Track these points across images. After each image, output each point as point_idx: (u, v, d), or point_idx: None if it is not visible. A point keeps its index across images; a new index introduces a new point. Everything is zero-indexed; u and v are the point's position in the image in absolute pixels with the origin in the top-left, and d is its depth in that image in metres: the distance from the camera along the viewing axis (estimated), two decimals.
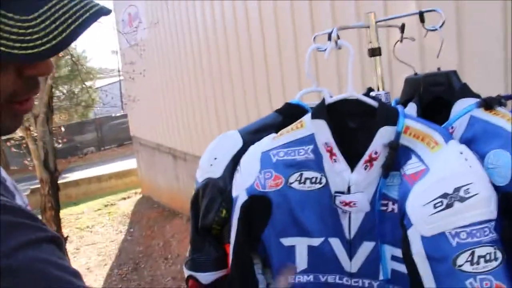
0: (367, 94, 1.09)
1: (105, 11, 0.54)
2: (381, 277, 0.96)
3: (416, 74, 1.15)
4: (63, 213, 7.08)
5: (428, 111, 1.06)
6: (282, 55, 4.02)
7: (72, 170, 14.33)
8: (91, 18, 0.52)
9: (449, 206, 0.77)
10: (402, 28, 1.13)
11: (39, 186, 5.68)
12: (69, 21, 0.51)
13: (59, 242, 0.51)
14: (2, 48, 0.48)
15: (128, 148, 17.41)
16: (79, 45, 26.58)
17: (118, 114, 20.44)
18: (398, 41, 1.15)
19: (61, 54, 6.29)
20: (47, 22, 0.50)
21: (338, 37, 0.96)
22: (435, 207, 0.77)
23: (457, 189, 0.77)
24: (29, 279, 0.44)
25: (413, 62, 1.12)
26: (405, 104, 1.11)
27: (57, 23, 0.51)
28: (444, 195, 0.77)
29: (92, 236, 9.66)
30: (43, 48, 0.50)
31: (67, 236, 6.28)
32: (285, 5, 3.80)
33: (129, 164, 14.08)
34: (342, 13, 2.95)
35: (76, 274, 0.50)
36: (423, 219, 0.79)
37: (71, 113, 19.81)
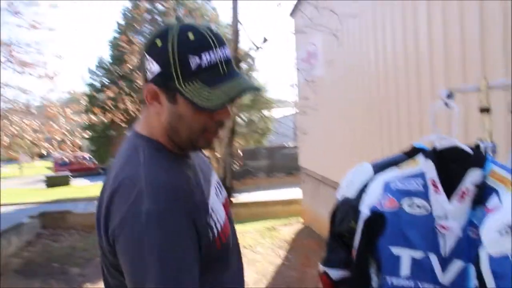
0: (477, 144, 1.35)
1: (250, 89, 1.03)
2: None
3: None
4: None
5: None
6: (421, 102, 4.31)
7: (243, 192, 15.53)
8: (240, 93, 1.01)
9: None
10: None
11: None
12: (229, 94, 0.98)
13: None
14: (198, 103, 0.96)
15: (295, 177, 18.15)
16: (261, 77, 28.73)
17: (289, 144, 21.50)
18: None
19: None
20: (219, 92, 0.97)
21: (448, 97, 1.27)
22: (501, 234, 1.03)
23: None
24: None
25: None
26: None
27: (222, 94, 0.97)
28: (510, 226, 1.02)
29: (253, 255, 10.35)
30: (212, 104, 0.96)
31: None
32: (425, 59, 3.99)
33: (295, 192, 14.75)
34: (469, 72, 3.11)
35: None
36: (491, 243, 1.05)
37: (248, 139, 21.61)
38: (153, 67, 0.99)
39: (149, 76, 1.01)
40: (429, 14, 4.73)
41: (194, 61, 0.96)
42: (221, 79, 0.99)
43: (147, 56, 1.00)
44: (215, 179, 1.24)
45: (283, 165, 21.93)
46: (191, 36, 0.97)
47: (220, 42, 1.00)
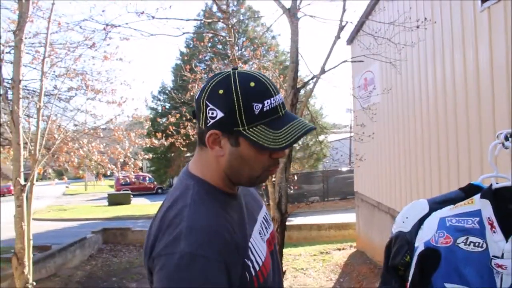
0: None
1: (311, 129, 1.13)
2: None
3: None
4: (283, 251, 7.92)
5: None
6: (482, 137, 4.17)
7: (297, 215, 15.52)
8: (303, 134, 1.10)
9: None
10: None
11: None
12: (294, 135, 1.08)
13: None
14: (265, 145, 1.07)
15: (350, 202, 17.95)
16: (318, 102, 28.70)
17: (344, 169, 21.30)
18: None
19: (303, 112, 7.34)
20: (284, 134, 1.08)
21: (506, 139, 1.32)
22: None
23: None
24: None
25: None
26: None
27: (288, 136, 1.08)
28: None
29: (304, 278, 10.31)
30: (280, 146, 1.07)
31: (285, 271, 7.05)
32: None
33: (349, 217, 14.58)
34: None
35: None
36: None
37: (303, 163, 21.62)
38: (216, 114, 1.09)
39: (210, 122, 1.10)
40: (492, 48, 4.68)
41: (257, 107, 1.07)
42: (281, 121, 1.10)
43: (209, 104, 1.10)
44: (262, 215, 1.34)
45: (338, 190, 21.75)
46: (252, 84, 1.08)
47: (276, 88, 1.12)
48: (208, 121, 1.10)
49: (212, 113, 1.09)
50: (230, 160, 1.13)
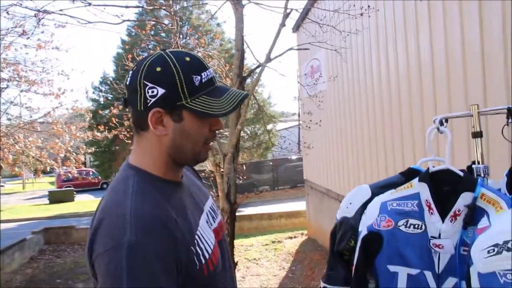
0: (470, 166, 1.42)
1: (245, 97, 1.17)
2: None
3: None
4: (234, 242, 7.90)
5: None
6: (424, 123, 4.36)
7: (247, 205, 15.58)
8: (242, 99, 1.15)
9: (498, 253, 1.08)
10: (508, 113, 1.42)
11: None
12: (232, 103, 1.12)
13: None
14: (210, 112, 1.10)
15: (300, 190, 18.21)
16: (265, 91, 28.83)
17: (294, 157, 21.57)
18: (505, 125, 1.45)
19: (250, 101, 7.31)
20: (226, 100, 1.12)
21: (441, 124, 1.34)
22: (488, 252, 1.09)
23: (506, 242, 1.07)
24: None
25: None
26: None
27: (230, 101, 1.13)
28: (496, 245, 1.08)
29: (257, 268, 10.40)
30: (226, 111, 1.11)
31: (237, 262, 7.05)
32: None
33: (300, 205, 14.79)
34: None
35: None
36: (480, 260, 1.11)
37: (252, 153, 21.73)
38: (157, 91, 1.08)
39: (150, 101, 1.09)
40: (432, 37, 4.82)
41: (197, 79, 1.10)
42: (219, 91, 1.15)
43: (147, 83, 1.09)
44: (209, 205, 1.31)
45: (288, 178, 22.00)
46: (188, 59, 1.12)
47: (207, 63, 1.18)
48: (148, 101, 1.09)
49: (152, 92, 1.08)
50: (174, 138, 1.13)
